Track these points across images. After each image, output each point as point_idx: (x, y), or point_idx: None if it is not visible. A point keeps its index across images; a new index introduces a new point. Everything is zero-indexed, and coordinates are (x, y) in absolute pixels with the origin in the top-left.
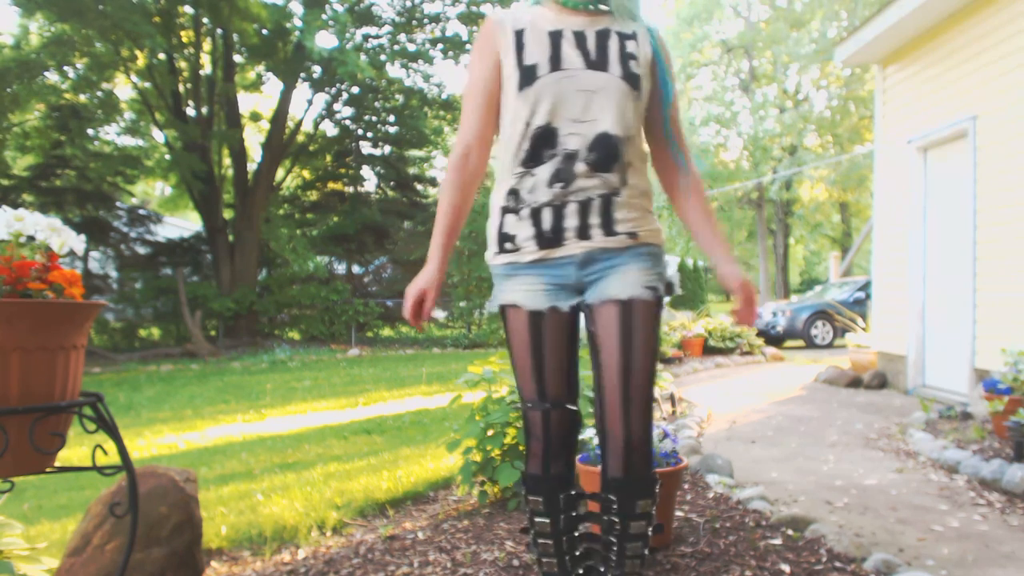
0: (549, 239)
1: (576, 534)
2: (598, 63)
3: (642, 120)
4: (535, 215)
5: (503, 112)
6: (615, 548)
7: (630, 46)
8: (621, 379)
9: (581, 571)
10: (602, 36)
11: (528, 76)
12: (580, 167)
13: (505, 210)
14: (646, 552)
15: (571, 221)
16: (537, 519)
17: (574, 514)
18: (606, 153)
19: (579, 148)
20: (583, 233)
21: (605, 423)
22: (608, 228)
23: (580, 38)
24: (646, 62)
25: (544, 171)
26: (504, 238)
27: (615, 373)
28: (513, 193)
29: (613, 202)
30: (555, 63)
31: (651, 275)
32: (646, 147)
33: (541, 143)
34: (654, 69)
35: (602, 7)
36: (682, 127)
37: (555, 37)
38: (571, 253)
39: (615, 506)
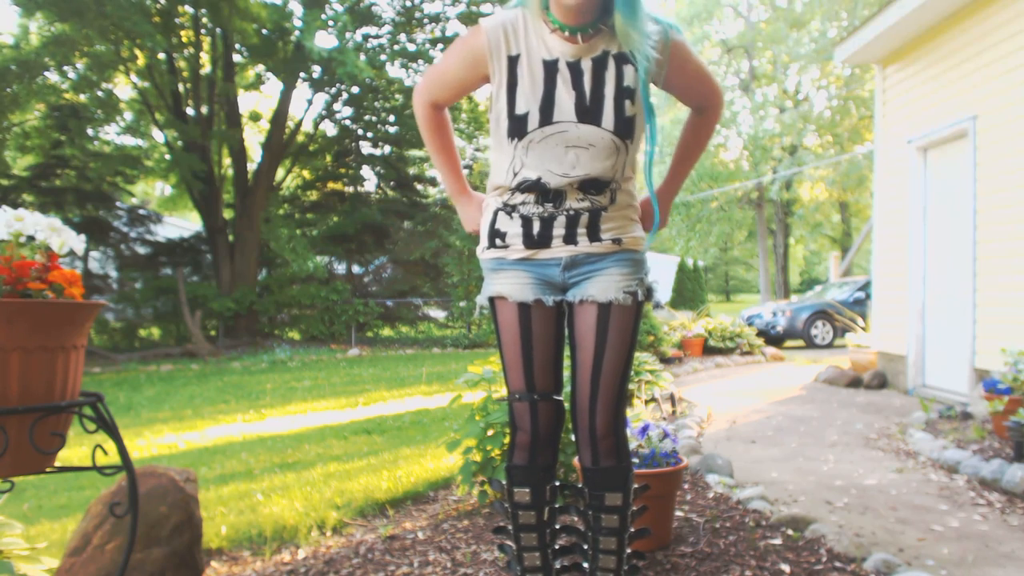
0: (536, 241)
1: (557, 527)
2: (592, 111)
3: (635, 151)
4: (525, 220)
5: (491, 114)
6: (591, 541)
7: (627, 75)
8: (592, 376)
9: (559, 566)
10: (599, 66)
11: (519, 128)
12: (570, 192)
13: (498, 210)
14: (625, 551)
15: (559, 231)
16: (522, 512)
17: (557, 506)
18: (593, 187)
19: (566, 188)
20: (570, 239)
21: (576, 416)
22: (594, 236)
23: (576, 73)
24: (657, 63)
25: (533, 196)
26: (495, 234)
27: (587, 370)
28: (505, 203)
29: (600, 215)
30: (546, 115)
31: (631, 280)
32: (636, 168)
33: (528, 188)
34: (664, 59)
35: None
36: (707, 79)
37: (550, 72)
38: (556, 256)
39: (589, 498)
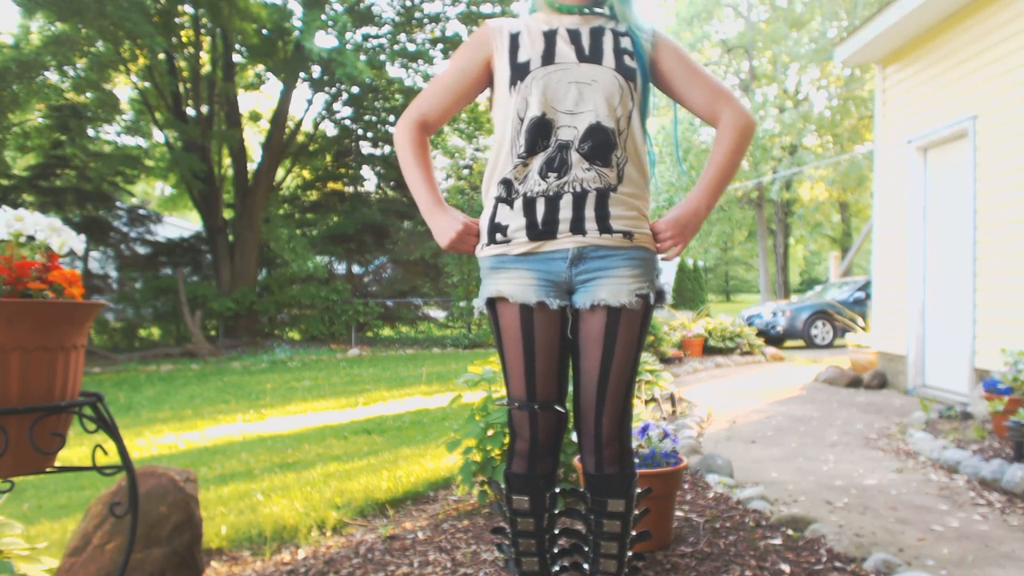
0: (541, 231)
1: (556, 531)
2: (592, 57)
3: (640, 114)
4: (528, 205)
5: (495, 113)
6: (592, 545)
7: (624, 42)
8: (598, 383)
9: (558, 568)
10: (596, 32)
11: (520, 71)
12: (575, 156)
13: (499, 200)
14: (626, 555)
15: (565, 213)
16: (520, 519)
17: (556, 511)
18: (600, 142)
19: (572, 139)
20: (577, 227)
21: (580, 422)
22: (603, 224)
23: (574, 35)
24: (650, 53)
25: (538, 160)
26: (495, 228)
27: (594, 377)
28: (505, 183)
29: (609, 196)
30: (548, 58)
31: (642, 282)
32: (643, 147)
33: (536, 134)
34: (653, 58)
35: (597, 10)
36: (707, 77)
37: (549, 36)
38: (563, 247)
39: (591, 504)
